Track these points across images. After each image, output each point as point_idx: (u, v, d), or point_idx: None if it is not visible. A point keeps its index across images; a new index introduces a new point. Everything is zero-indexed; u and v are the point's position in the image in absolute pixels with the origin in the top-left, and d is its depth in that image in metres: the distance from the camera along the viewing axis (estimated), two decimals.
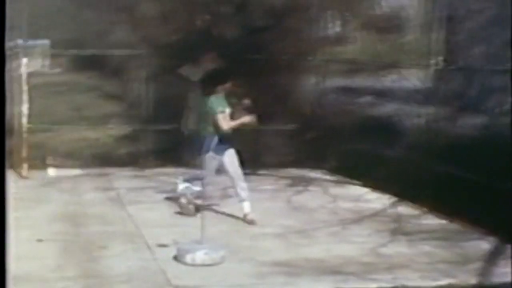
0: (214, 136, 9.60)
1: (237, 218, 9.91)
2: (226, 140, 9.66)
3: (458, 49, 13.55)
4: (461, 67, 13.87)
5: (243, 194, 9.79)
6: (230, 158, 9.71)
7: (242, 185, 9.77)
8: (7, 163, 10.27)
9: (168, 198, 10.85)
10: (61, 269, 7.56)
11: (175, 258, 7.86)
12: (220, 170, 9.84)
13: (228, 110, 9.66)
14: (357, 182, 12.57)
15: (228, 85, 9.70)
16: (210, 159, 9.61)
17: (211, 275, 7.45)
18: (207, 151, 9.60)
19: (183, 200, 10.12)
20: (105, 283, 7.15)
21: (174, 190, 10.37)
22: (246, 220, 9.75)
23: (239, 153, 9.86)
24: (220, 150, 9.66)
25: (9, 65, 16.01)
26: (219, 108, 9.61)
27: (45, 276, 7.32)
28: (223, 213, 10.15)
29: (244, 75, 14.04)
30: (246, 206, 9.81)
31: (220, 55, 13.66)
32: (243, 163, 9.91)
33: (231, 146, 9.73)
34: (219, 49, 13.77)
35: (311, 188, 12.23)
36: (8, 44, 14.52)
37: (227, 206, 10.32)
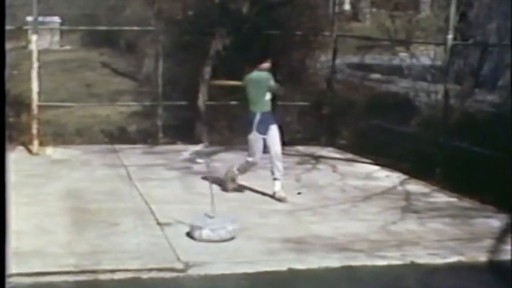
0: (254, 114, 9.66)
1: (248, 195, 9.93)
2: (266, 117, 9.66)
3: (475, 25, 13.50)
4: (478, 42, 13.81)
5: (277, 173, 9.77)
6: (272, 135, 9.71)
7: (278, 164, 9.75)
8: (18, 140, 10.22)
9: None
10: (71, 245, 7.60)
11: (186, 234, 7.88)
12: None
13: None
14: (367, 160, 12.55)
15: (266, 64, 9.70)
16: (251, 137, 9.68)
17: (221, 252, 7.48)
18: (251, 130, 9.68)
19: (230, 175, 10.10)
20: (115, 259, 7.18)
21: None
22: (275, 197, 9.73)
23: (281, 130, 9.86)
24: (261, 128, 9.64)
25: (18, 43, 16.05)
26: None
27: (55, 252, 7.36)
28: (233, 190, 10.15)
29: (259, 51, 14.06)
30: (277, 185, 9.79)
31: (235, 31, 13.68)
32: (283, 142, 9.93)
33: (272, 122, 9.71)
34: (235, 25, 13.76)
35: (321, 166, 12.22)
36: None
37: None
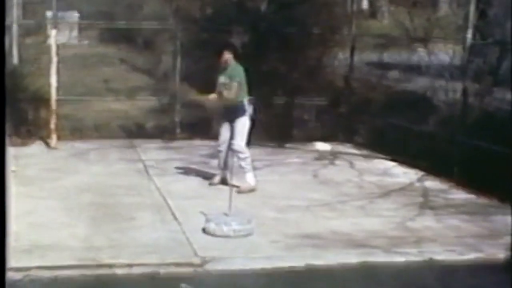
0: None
1: (263, 190, 9.93)
2: (233, 109, 9.75)
3: (494, 23, 13.42)
4: (497, 41, 13.73)
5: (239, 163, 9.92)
6: (233, 126, 9.82)
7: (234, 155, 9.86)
8: (36, 134, 10.27)
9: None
10: (90, 239, 7.62)
11: (203, 230, 7.89)
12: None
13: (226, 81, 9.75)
14: (385, 156, 12.52)
15: (225, 57, 9.72)
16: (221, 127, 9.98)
17: (239, 247, 7.47)
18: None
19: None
20: (133, 253, 7.19)
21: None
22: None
23: (253, 124, 9.92)
24: (225, 119, 9.88)
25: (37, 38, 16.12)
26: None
27: (73, 245, 7.38)
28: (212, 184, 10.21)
29: (277, 49, 14.07)
30: (248, 177, 9.95)
31: (252, 29, 13.70)
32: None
33: (237, 115, 9.76)
34: (252, 23, 13.77)
35: (338, 162, 12.20)
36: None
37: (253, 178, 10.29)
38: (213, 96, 9.90)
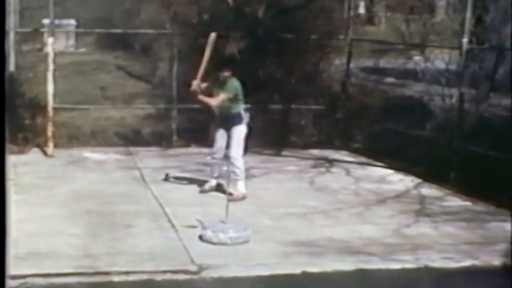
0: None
1: (259, 198, 9.94)
2: (230, 117, 9.85)
3: (491, 29, 13.45)
4: (493, 46, 13.77)
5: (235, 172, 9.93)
6: (230, 134, 9.88)
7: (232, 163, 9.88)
8: (33, 142, 10.27)
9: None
10: (86, 247, 7.63)
11: (200, 237, 7.90)
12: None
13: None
14: (381, 163, 12.52)
15: (224, 74, 9.80)
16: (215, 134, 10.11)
17: (235, 255, 7.49)
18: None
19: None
20: (130, 261, 7.20)
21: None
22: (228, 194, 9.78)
23: (249, 132, 9.97)
24: (221, 127, 9.96)
25: (34, 45, 16.14)
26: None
27: (70, 253, 7.39)
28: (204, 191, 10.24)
29: (274, 54, 14.08)
30: (239, 185, 9.95)
31: (250, 34, 13.72)
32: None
33: (233, 123, 9.84)
34: (249, 28, 13.78)
35: (334, 169, 12.21)
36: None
37: (248, 186, 10.28)
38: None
